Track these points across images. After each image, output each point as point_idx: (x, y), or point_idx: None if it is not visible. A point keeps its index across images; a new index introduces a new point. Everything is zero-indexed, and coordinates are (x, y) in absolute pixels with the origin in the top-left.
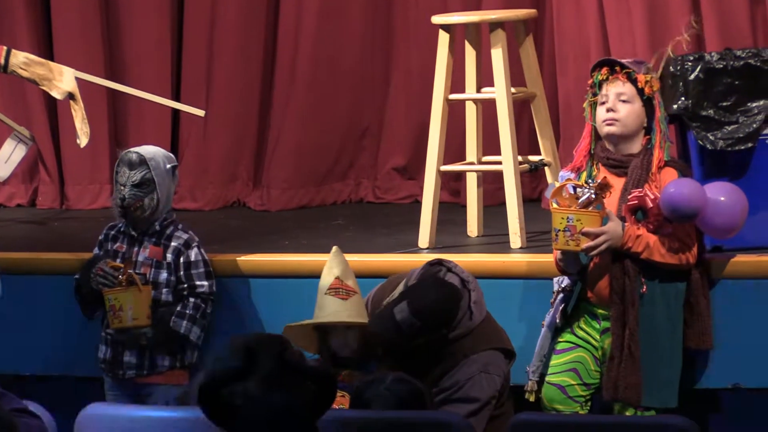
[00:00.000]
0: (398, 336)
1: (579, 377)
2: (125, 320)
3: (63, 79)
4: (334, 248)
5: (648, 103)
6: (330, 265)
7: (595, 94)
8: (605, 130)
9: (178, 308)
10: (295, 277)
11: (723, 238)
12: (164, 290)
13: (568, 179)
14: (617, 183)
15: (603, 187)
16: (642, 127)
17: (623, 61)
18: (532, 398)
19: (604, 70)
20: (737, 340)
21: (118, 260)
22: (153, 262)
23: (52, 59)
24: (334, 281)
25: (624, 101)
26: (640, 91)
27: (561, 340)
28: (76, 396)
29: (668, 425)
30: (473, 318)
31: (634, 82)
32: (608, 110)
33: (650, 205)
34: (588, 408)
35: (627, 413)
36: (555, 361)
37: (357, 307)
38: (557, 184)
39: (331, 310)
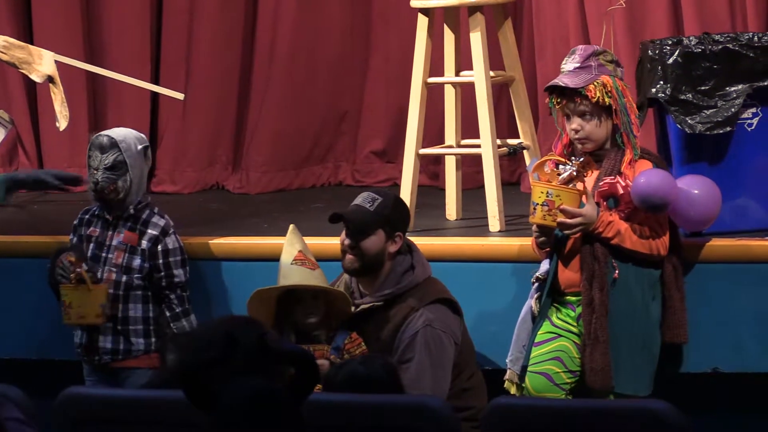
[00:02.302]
0: (367, 213)
1: (563, 365)
2: (72, 318)
3: (42, 63)
4: (291, 226)
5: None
6: (290, 241)
7: (559, 103)
8: (579, 147)
9: (168, 314)
10: (274, 260)
11: (697, 230)
12: (136, 275)
13: (551, 154)
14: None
15: (585, 165)
16: (611, 128)
17: (568, 84)
18: (513, 390)
19: (556, 97)
20: (716, 324)
21: (92, 245)
22: (127, 248)
23: (31, 42)
24: (297, 254)
25: (586, 118)
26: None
27: (540, 331)
28: (55, 380)
29: (648, 409)
30: (416, 273)
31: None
32: (575, 130)
33: (621, 191)
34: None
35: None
36: (536, 351)
37: (323, 278)
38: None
39: (301, 277)
